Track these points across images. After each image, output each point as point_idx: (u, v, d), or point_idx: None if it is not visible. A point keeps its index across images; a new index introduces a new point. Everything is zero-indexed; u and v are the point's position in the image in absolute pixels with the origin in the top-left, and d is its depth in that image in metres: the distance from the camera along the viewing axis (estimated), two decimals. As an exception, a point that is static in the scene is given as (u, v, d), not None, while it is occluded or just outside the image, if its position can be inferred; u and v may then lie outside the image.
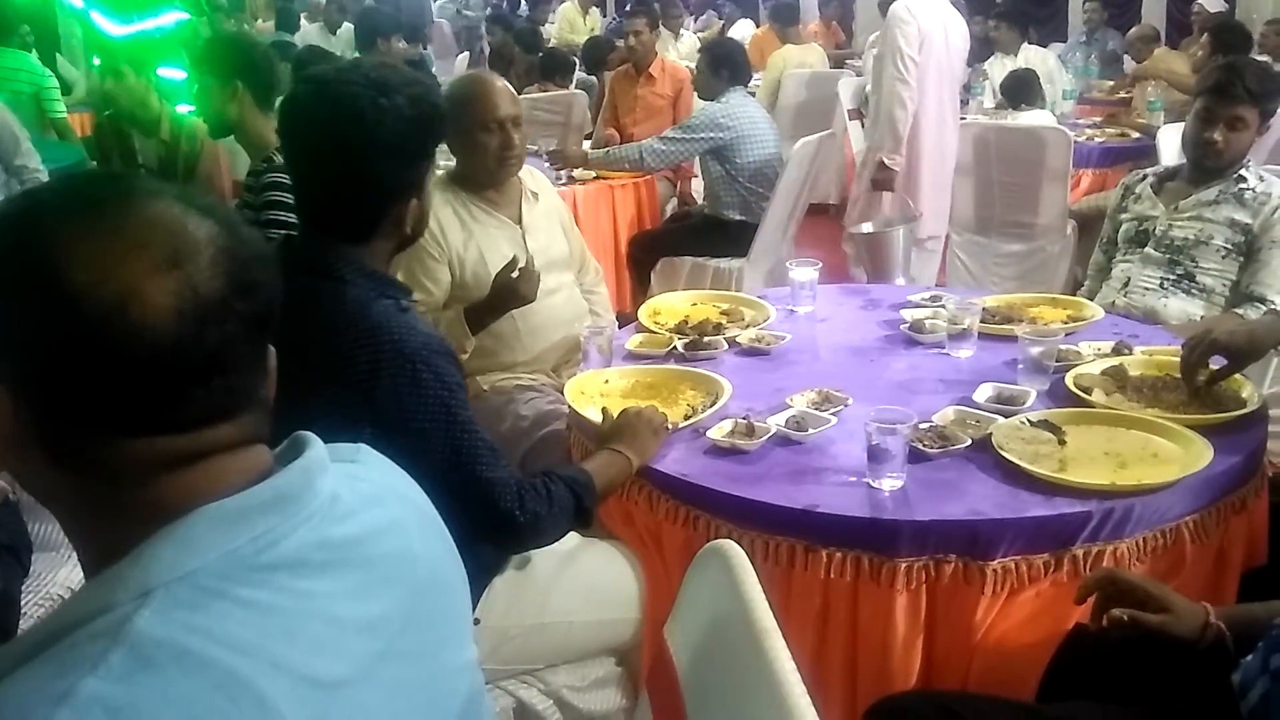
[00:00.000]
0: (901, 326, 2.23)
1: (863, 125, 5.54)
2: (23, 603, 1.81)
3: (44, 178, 3.89)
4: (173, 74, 4.47)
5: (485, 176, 2.36)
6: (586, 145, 4.70)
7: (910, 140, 3.78)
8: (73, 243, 0.68)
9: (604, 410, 1.80)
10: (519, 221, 2.40)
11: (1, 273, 0.69)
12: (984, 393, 1.86)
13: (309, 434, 0.80)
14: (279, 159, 2.83)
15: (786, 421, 1.76)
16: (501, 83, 2.38)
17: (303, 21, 10.06)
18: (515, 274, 2.16)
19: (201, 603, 0.67)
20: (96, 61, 4.78)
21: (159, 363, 0.69)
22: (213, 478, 0.73)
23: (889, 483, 1.57)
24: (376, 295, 1.44)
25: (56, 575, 1.93)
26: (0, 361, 0.70)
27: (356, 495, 0.79)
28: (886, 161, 3.77)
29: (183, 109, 4.06)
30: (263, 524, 0.71)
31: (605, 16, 11.25)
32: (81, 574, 1.79)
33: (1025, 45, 6.16)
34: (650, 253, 4.08)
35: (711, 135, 3.87)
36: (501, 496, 1.45)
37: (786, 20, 7.52)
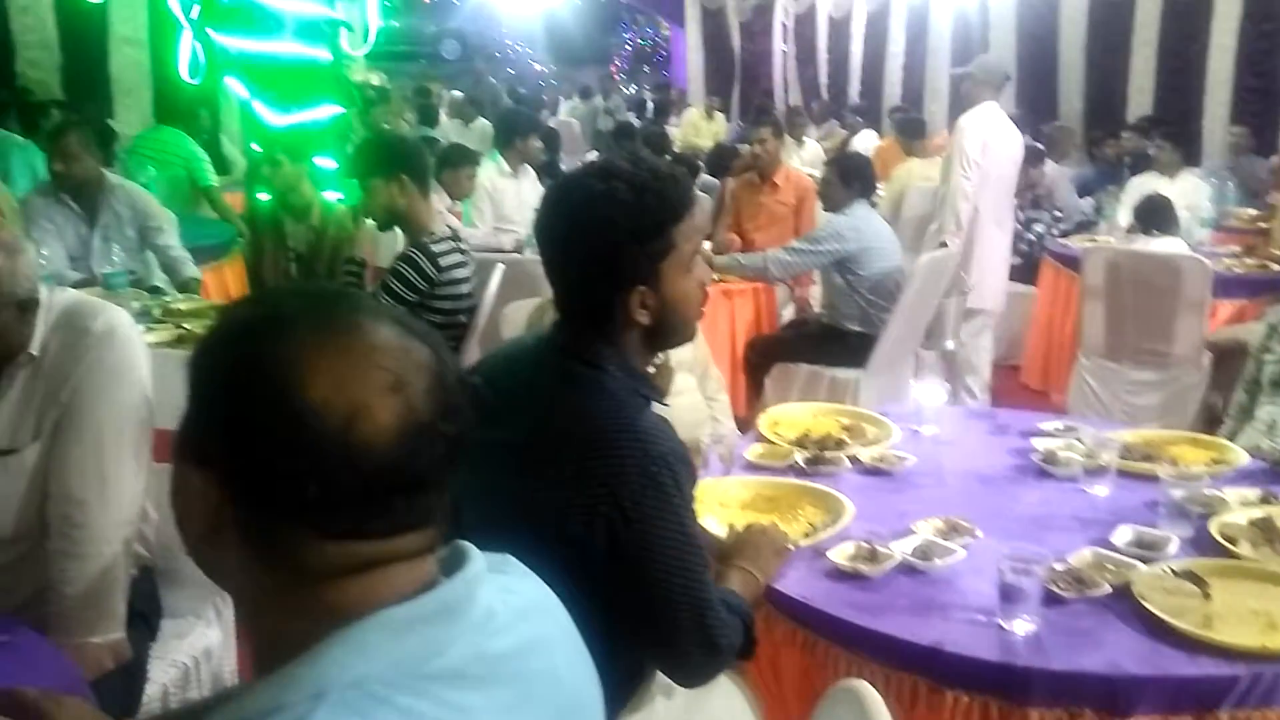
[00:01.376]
0: (1032, 456, 2.17)
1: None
2: (148, 668, 1.87)
3: (182, 253, 4.05)
4: (325, 163, 4.76)
5: None
6: (707, 247, 4.77)
7: (968, 225, 4.55)
8: (312, 358, 0.73)
9: (730, 525, 1.78)
10: None
11: (239, 375, 0.74)
12: (1123, 535, 1.78)
13: (468, 545, 0.83)
14: (425, 239, 3.01)
15: (913, 550, 1.72)
16: (704, 197, 2.49)
17: (441, 116, 10.61)
18: (652, 369, 2.16)
19: (369, 710, 0.69)
20: (255, 147, 5.12)
21: (376, 476, 0.73)
22: (388, 585, 0.76)
23: (1021, 625, 1.51)
24: (630, 391, 1.43)
25: (183, 642, 1.99)
26: (214, 454, 0.74)
27: (509, 609, 0.81)
28: (946, 240, 4.43)
29: (331, 196, 4.32)
30: (429, 634, 0.74)
31: (730, 121, 11.51)
32: (205, 641, 1.85)
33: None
34: (766, 358, 4.08)
35: (836, 247, 3.89)
36: (707, 617, 1.39)
37: (913, 134, 7.56)
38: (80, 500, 1.67)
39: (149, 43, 7.75)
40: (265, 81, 4.72)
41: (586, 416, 1.39)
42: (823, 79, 12.42)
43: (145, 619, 1.87)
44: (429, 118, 10.09)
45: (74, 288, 2.68)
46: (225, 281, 4.99)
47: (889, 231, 4.11)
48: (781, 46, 13.02)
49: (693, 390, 2.51)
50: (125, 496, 1.72)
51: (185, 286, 3.93)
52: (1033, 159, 5.74)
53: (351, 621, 0.73)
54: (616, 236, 1.41)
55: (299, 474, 0.72)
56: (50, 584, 1.68)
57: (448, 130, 9.75)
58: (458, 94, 12.11)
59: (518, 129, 5.16)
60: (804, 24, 12.59)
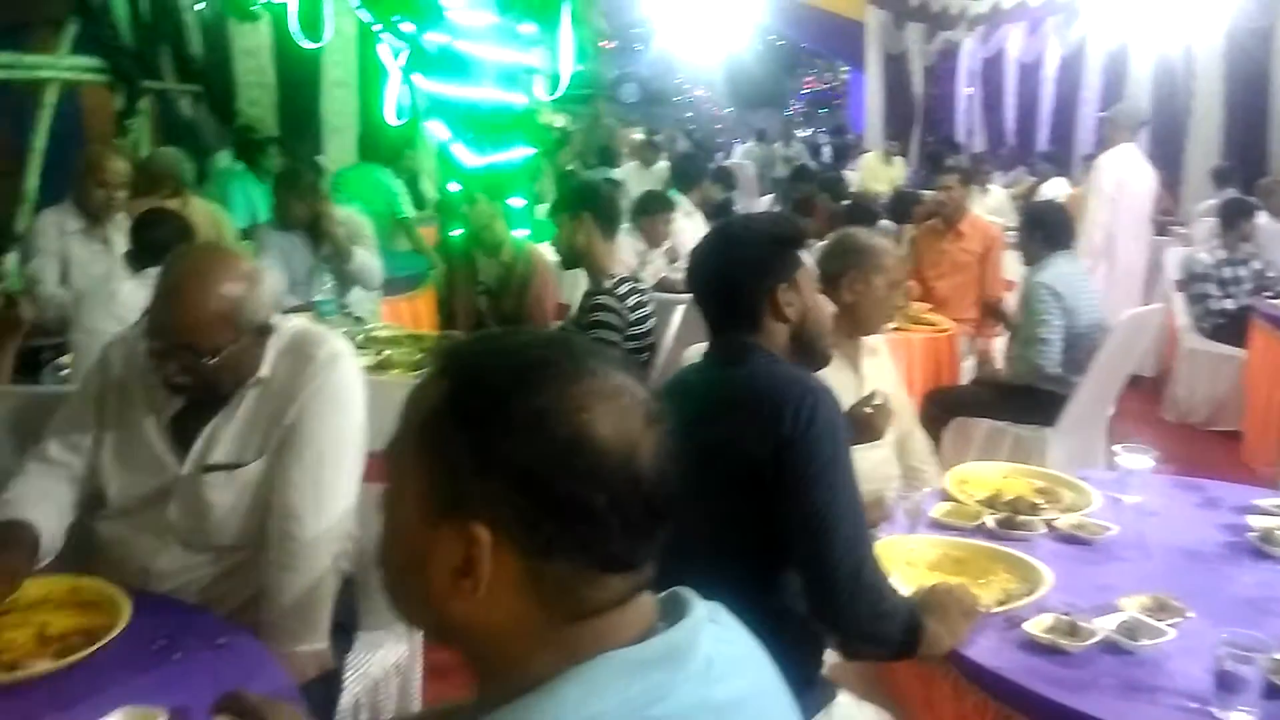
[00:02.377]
0: (1248, 535, 2.02)
1: (1188, 298, 5.24)
2: (344, 678, 1.97)
3: (377, 265, 4.27)
4: (515, 202, 4.96)
5: (871, 322, 2.51)
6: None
7: (1106, 252, 5.38)
8: (591, 402, 0.77)
9: (919, 586, 1.73)
10: (857, 370, 2.44)
11: (527, 426, 0.75)
12: (1357, 628, 1.63)
13: (688, 591, 0.84)
14: (609, 284, 3.10)
15: (1117, 626, 1.62)
16: (892, 243, 2.54)
17: (622, 159, 10.88)
18: (870, 409, 2.18)
19: None
20: (452, 186, 5.39)
21: (649, 504, 0.78)
22: (620, 625, 0.78)
23: (1239, 717, 1.40)
24: (771, 361, 1.68)
25: (375, 655, 2.09)
26: (493, 503, 0.75)
27: (725, 659, 0.81)
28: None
29: (520, 234, 4.49)
30: (655, 677, 0.75)
31: (908, 167, 11.30)
32: (395, 656, 1.91)
33: None
34: (945, 411, 3.95)
35: (1059, 307, 3.67)
36: (859, 546, 1.54)
37: (1108, 183, 7.20)
38: (298, 515, 1.78)
39: (357, 86, 8.32)
40: (464, 125, 4.98)
41: (747, 380, 1.64)
42: (1009, 124, 12.04)
43: (345, 630, 1.97)
44: (610, 159, 10.38)
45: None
46: (418, 312, 5.26)
47: (1091, 284, 3.91)
48: (967, 91, 12.72)
49: (888, 447, 2.47)
50: (338, 514, 1.82)
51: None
52: (1244, 213, 5.38)
53: (583, 660, 0.75)
54: (761, 240, 1.74)
55: (599, 512, 0.76)
56: (264, 593, 1.80)
57: (628, 172, 10.00)
58: (638, 136, 12.41)
59: (696, 172, 5.24)
60: (992, 68, 12.26)
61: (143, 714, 1.30)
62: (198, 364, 1.74)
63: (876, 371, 2.51)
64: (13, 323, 3.03)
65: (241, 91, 8.29)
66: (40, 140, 5.40)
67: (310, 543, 1.78)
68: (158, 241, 2.82)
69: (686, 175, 5.19)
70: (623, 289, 3.13)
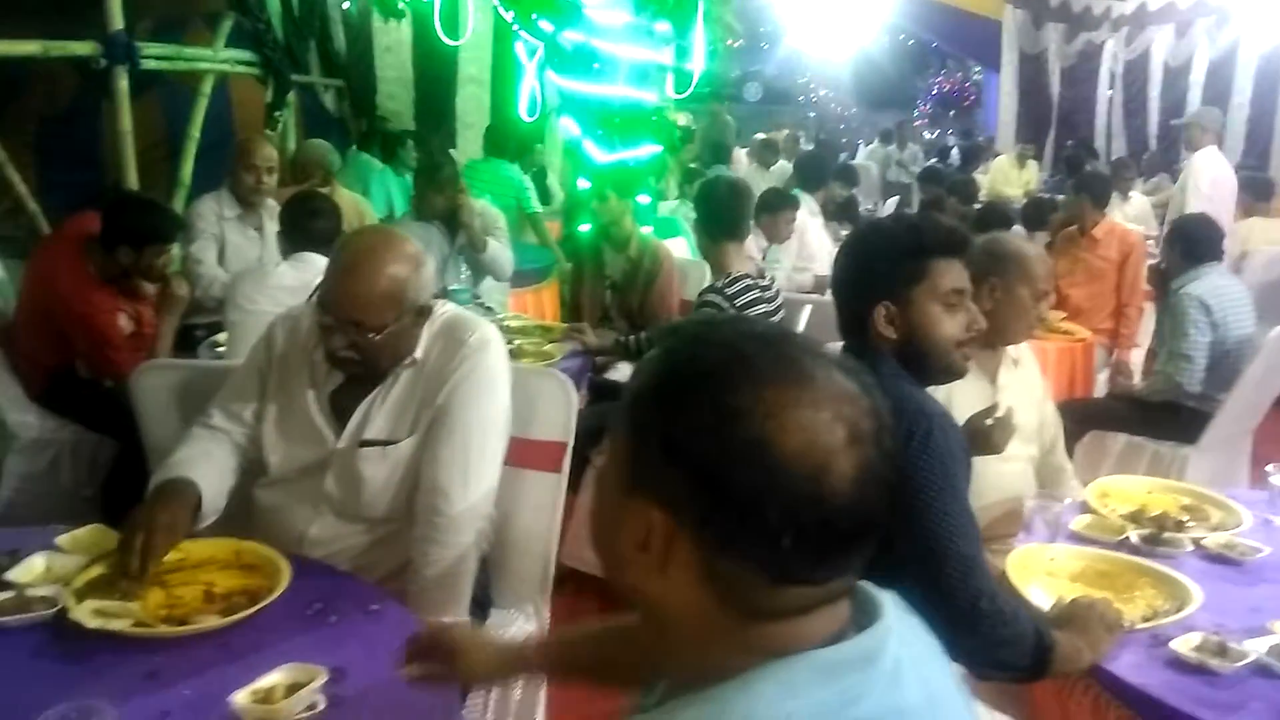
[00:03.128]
0: None
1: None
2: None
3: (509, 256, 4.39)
4: (642, 199, 5.01)
5: (1011, 332, 2.37)
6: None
7: None
8: (784, 410, 0.74)
9: (1059, 597, 1.70)
10: (993, 381, 2.37)
11: (714, 422, 0.75)
12: None
13: (878, 591, 0.84)
14: (721, 282, 3.11)
15: (1269, 650, 1.56)
16: (1044, 254, 2.49)
17: (740, 156, 10.85)
18: (990, 421, 2.12)
19: None
20: (581, 182, 5.47)
21: (833, 528, 0.75)
22: (813, 629, 0.78)
23: None
24: (894, 377, 1.62)
25: (505, 634, 2.15)
26: (676, 494, 0.76)
27: (910, 659, 0.80)
28: None
29: (646, 230, 4.54)
30: (848, 681, 0.75)
31: (1042, 171, 10.93)
32: (514, 635, 1.93)
33: None
34: (1080, 424, 3.81)
35: (1208, 321, 3.53)
36: (976, 574, 1.50)
37: (1259, 193, 6.84)
38: (445, 492, 1.85)
39: (490, 82, 8.52)
40: (596, 121, 5.05)
41: None
42: (1152, 129, 11.52)
43: (480, 606, 2.04)
44: (724, 157, 10.35)
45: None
46: (542, 304, 5.37)
47: (1245, 296, 3.72)
48: (1107, 94, 12.23)
49: (1026, 461, 2.40)
50: (482, 492, 1.89)
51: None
52: None
53: (769, 658, 0.75)
54: (869, 253, 1.69)
55: (771, 523, 0.73)
56: (411, 564, 1.88)
57: (744, 172, 9.96)
58: (758, 136, 12.35)
59: (821, 172, 5.20)
60: (1135, 71, 11.76)
61: (305, 671, 1.37)
62: (363, 339, 1.82)
63: (1017, 383, 2.40)
64: (172, 301, 3.24)
65: (381, 86, 8.59)
66: (196, 129, 5.69)
67: (456, 518, 1.85)
68: (308, 225, 2.96)
69: (811, 175, 5.15)
70: (734, 287, 3.13)
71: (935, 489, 1.51)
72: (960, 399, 2.26)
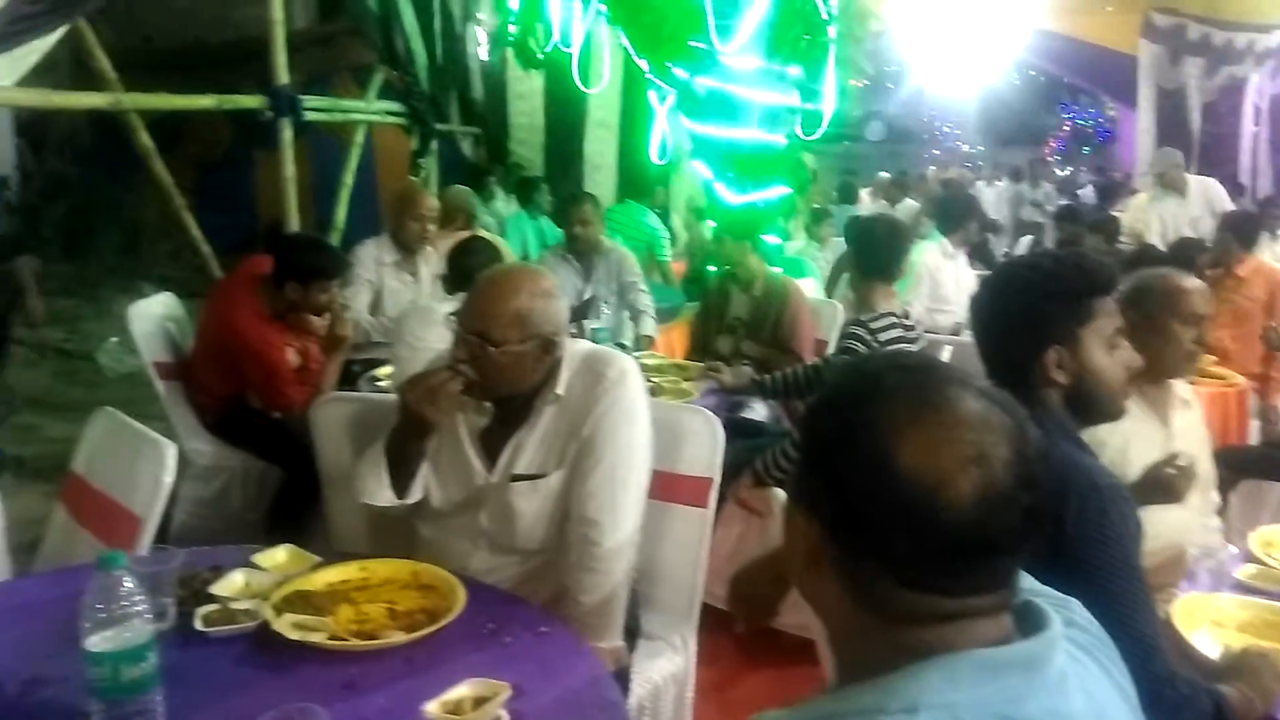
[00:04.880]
0: None
1: None
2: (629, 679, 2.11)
3: (650, 310, 4.55)
4: (771, 240, 5.08)
5: (1167, 368, 2.30)
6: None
7: None
8: (906, 428, 0.83)
9: (1226, 646, 1.66)
10: (1166, 423, 2.32)
11: (843, 437, 0.86)
12: None
13: (1048, 608, 0.88)
14: (867, 317, 3.13)
15: None
16: (1199, 282, 2.38)
17: (863, 196, 10.81)
18: (1172, 470, 2.07)
19: None
20: (711, 223, 5.58)
21: (954, 540, 0.81)
22: (970, 636, 0.84)
23: None
24: (1060, 436, 1.54)
25: (654, 662, 2.22)
26: (818, 501, 0.87)
27: (1078, 675, 0.85)
28: None
29: (774, 270, 4.59)
30: (1010, 682, 0.80)
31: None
32: (672, 666, 2.00)
33: None
34: (1235, 471, 3.66)
35: None
36: (1156, 660, 1.43)
37: None
38: (595, 522, 1.93)
39: (619, 127, 8.77)
40: (727, 164, 5.15)
41: None
42: (1302, 165, 10.99)
43: (631, 634, 2.11)
44: (850, 197, 10.34)
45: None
46: (672, 343, 5.47)
47: None
48: (1253, 129, 11.71)
49: (1194, 511, 2.33)
50: (630, 522, 1.96)
51: (638, 343, 4.39)
52: None
53: (940, 656, 0.81)
54: (1035, 296, 1.60)
55: (888, 530, 0.82)
56: (566, 592, 1.96)
57: (871, 210, 9.92)
58: (884, 175, 12.27)
59: (961, 212, 5.17)
60: (1282, 105, 11.26)
61: (489, 686, 1.46)
62: (483, 352, 1.93)
63: (1192, 427, 2.32)
64: (338, 338, 3.45)
65: (513, 133, 8.94)
66: (349, 175, 6.06)
67: (608, 547, 1.92)
68: (471, 267, 3.12)
69: (951, 214, 5.11)
70: (879, 323, 3.15)
71: (1111, 570, 1.44)
72: (1137, 444, 2.23)
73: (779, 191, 5.35)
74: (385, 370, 3.42)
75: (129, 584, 1.30)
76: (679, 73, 5.09)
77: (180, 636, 1.63)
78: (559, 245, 4.64)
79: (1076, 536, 1.43)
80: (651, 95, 6.35)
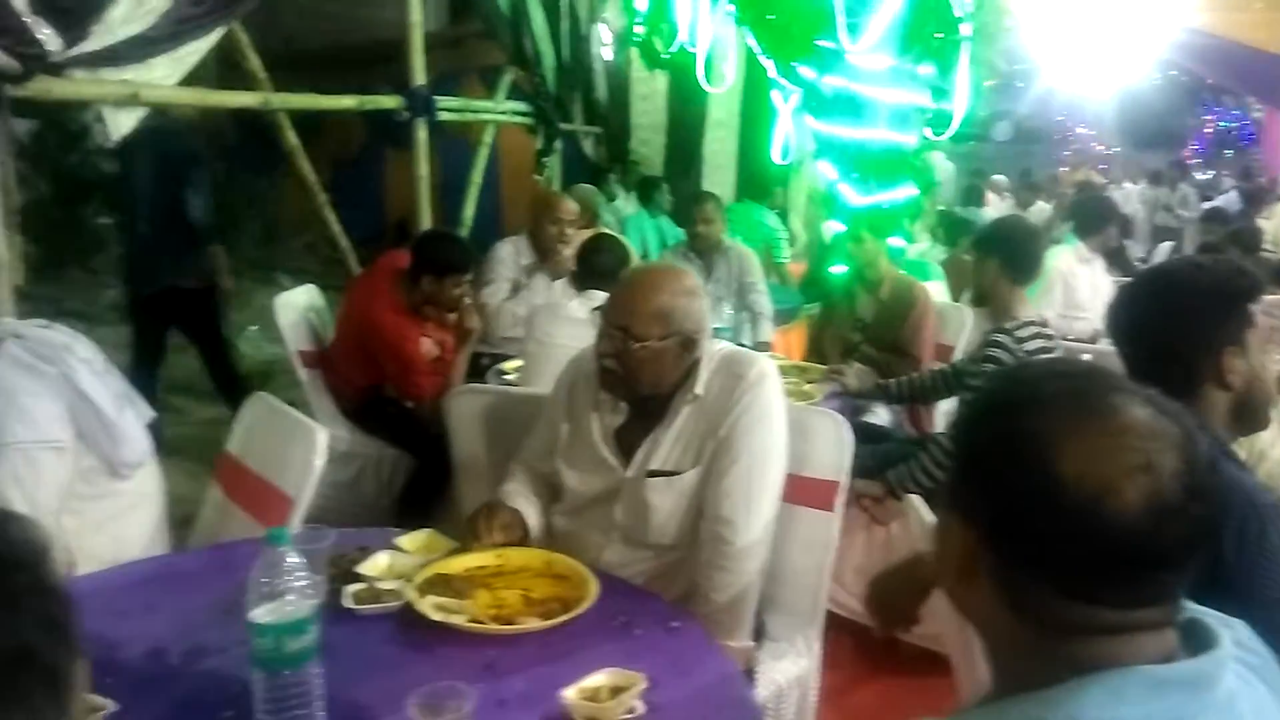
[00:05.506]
0: None
1: None
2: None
3: (769, 313, 4.53)
4: (895, 242, 4.99)
5: None
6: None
7: None
8: (1066, 437, 0.81)
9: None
10: None
11: (1001, 446, 0.85)
12: None
13: (1217, 625, 0.86)
14: (1010, 325, 3.03)
15: None
16: None
17: (990, 198, 10.51)
18: None
19: None
20: (835, 225, 5.51)
21: (1119, 550, 0.80)
22: (1133, 650, 0.81)
23: None
24: (1218, 451, 1.47)
25: (779, 664, 2.21)
26: (975, 509, 0.86)
27: (1248, 697, 0.82)
28: None
29: (900, 273, 4.50)
30: (1177, 700, 0.78)
31: (1337, 216, 9.88)
32: (797, 668, 1.99)
33: None
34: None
35: None
36: None
37: None
38: (730, 521, 1.94)
39: (739, 127, 8.75)
40: (853, 164, 5.09)
41: None
42: None
43: (757, 635, 2.11)
44: (976, 199, 10.07)
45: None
46: (789, 344, 5.43)
47: None
48: None
49: None
50: (764, 522, 1.97)
51: (755, 348, 4.37)
52: None
53: (1091, 673, 0.79)
54: (1208, 297, 1.55)
55: (1048, 539, 0.81)
56: (697, 589, 1.97)
57: (998, 212, 9.64)
58: (999, 178, 11.93)
59: (1100, 215, 4.98)
60: None
61: (626, 677, 1.48)
62: (626, 348, 1.96)
63: None
64: (467, 332, 3.55)
65: (635, 132, 9.01)
66: (478, 174, 6.21)
67: (742, 546, 1.93)
68: (593, 261, 3.17)
69: (1089, 218, 4.93)
70: (1024, 332, 3.05)
71: (1275, 590, 1.37)
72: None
73: (906, 192, 5.25)
74: (512, 364, 3.50)
75: (293, 559, 1.37)
76: (806, 72, 5.04)
77: (331, 613, 1.71)
78: (680, 244, 4.67)
79: (1236, 558, 1.36)
80: (775, 95, 6.32)
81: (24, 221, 3.16)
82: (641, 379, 2.00)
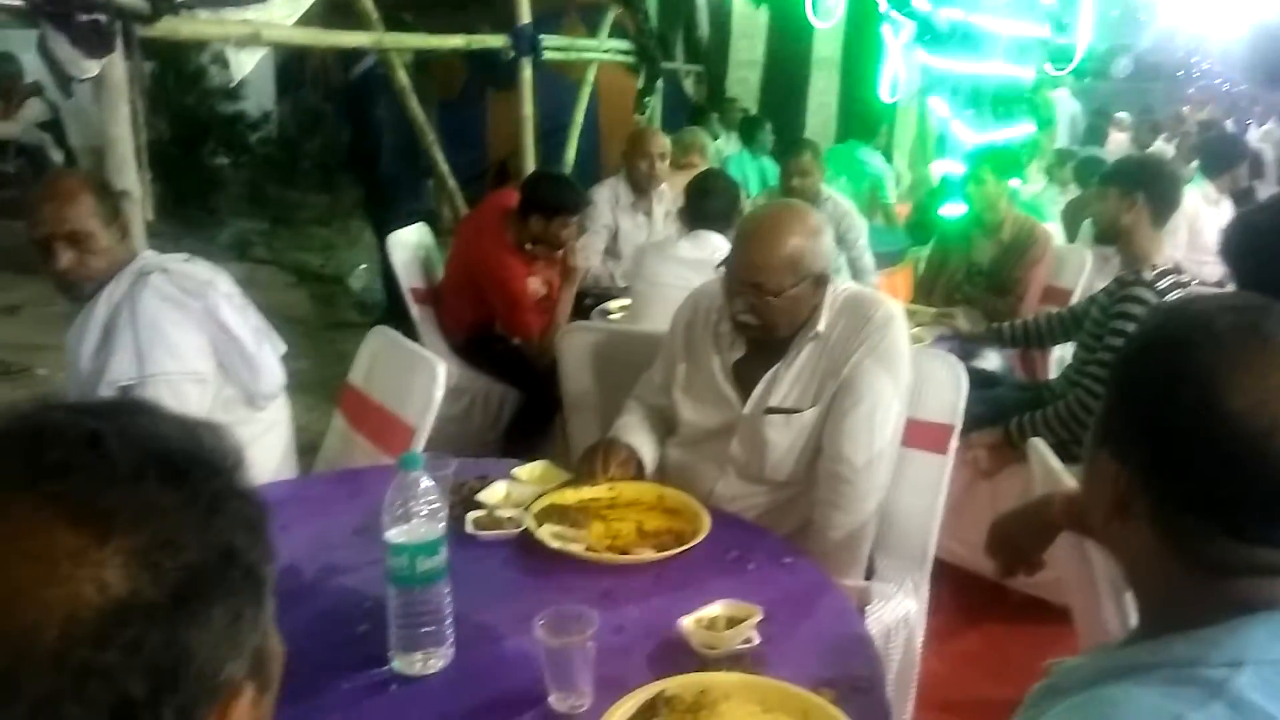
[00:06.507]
0: None
1: None
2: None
3: (868, 262, 4.42)
4: (1015, 183, 4.81)
5: None
6: None
7: None
8: (1236, 371, 0.79)
9: None
10: None
11: (1167, 383, 0.83)
12: None
13: None
14: (1149, 274, 2.88)
15: None
16: None
17: (1115, 136, 10.05)
18: None
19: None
20: (949, 164, 5.35)
21: None
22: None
23: None
24: None
25: (886, 605, 2.16)
26: (1133, 448, 0.85)
27: None
28: None
29: (1022, 214, 4.35)
30: None
31: None
32: (904, 609, 1.98)
33: None
34: None
35: None
36: None
37: None
38: (850, 461, 1.93)
39: (843, 64, 8.51)
40: (967, 101, 4.91)
41: None
42: None
43: (868, 575, 2.11)
44: (1096, 136, 9.64)
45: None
46: (895, 286, 5.32)
47: None
48: None
49: None
50: (883, 464, 1.96)
51: None
52: None
53: (1245, 614, 0.78)
54: None
55: (1215, 476, 0.79)
56: (812, 526, 1.98)
57: (1121, 151, 9.22)
58: (1123, 115, 11.38)
59: (1229, 156, 4.72)
60: None
61: (741, 609, 1.50)
62: (762, 302, 1.94)
63: None
64: (572, 272, 3.58)
65: (732, 70, 8.87)
66: (579, 114, 6.20)
67: (860, 486, 1.93)
68: (702, 204, 3.15)
69: (1219, 158, 4.67)
70: (1163, 282, 2.89)
71: None
72: None
73: (1023, 130, 5.06)
74: (617, 303, 3.52)
75: (425, 484, 1.42)
76: (920, 4, 4.87)
77: (453, 537, 1.76)
78: (773, 190, 4.57)
79: None
80: (885, 29, 6.12)
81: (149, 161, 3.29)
82: (779, 326, 2.00)
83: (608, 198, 4.21)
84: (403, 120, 4.89)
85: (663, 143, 4.20)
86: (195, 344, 2.07)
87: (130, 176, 2.97)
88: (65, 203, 2.03)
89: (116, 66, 2.85)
